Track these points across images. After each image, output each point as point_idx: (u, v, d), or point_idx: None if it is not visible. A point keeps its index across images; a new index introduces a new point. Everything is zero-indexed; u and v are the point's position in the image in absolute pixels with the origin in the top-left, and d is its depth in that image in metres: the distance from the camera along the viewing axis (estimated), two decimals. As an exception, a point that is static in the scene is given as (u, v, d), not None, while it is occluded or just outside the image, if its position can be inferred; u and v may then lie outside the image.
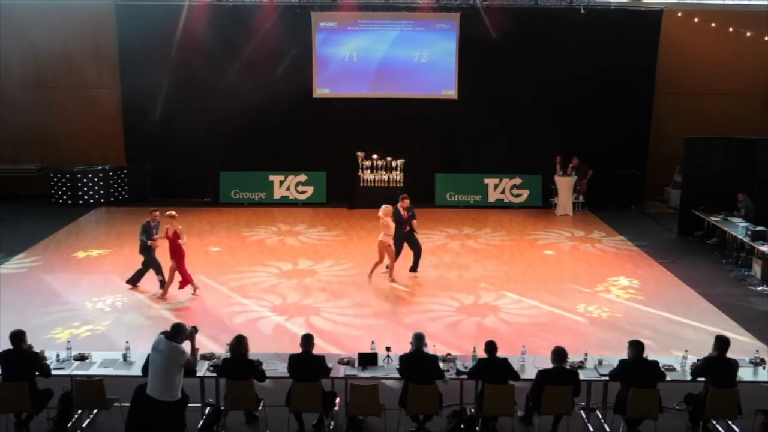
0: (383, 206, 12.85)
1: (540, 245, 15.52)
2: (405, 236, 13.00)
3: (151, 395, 7.14)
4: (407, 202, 13.02)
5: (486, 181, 19.31)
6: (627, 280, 13.09)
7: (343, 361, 8.19)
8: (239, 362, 7.62)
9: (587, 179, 18.68)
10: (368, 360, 8.10)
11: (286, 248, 15.15)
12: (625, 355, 7.74)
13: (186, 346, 7.42)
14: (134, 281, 12.41)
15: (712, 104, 19.48)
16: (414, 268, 13.16)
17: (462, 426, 7.69)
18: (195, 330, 7.68)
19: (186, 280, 12.01)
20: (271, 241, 15.65)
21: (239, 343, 7.64)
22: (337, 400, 8.13)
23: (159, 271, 12.21)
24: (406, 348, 7.89)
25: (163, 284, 12.08)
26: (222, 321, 10.93)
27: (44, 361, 7.81)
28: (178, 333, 7.30)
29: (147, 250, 12.20)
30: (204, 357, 8.15)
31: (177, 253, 11.85)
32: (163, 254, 12.21)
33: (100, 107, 19.76)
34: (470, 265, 14.05)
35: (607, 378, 7.84)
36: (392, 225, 12.65)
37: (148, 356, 7.69)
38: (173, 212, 11.98)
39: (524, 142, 19.04)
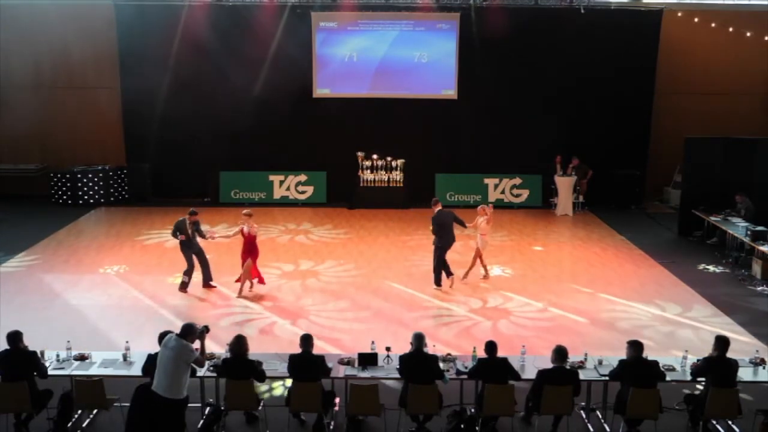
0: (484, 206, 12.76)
1: (539, 245, 15.51)
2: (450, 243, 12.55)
3: (156, 391, 7.15)
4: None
5: (486, 181, 19.32)
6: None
7: (343, 361, 8.19)
8: (239, 362, 7.63)
9: (587, 179, 18.68)
10: (368, 360, 8.10)
11: (285, 248, 15.14)
12: (624, 355, 7.75)
13: (195, 345, 7.43)
14: (207, 281, 12.39)
15: (712, 104, 19.47)
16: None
17: (462, 426, 7.69)
18: (206, 330, 7.68)
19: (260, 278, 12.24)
20: (271, 242, 15.63)
21: (239, 343, 7.64)
22: (337, 400, 8.14)
23: (190, 272, 12.23)
24: (406, 348, 7.90)
25: (186, 285, 12.16)
26: (222, 321, 10.92)
27: (42, 362, 7.82)
28: (189, 332, 7.32)
29: (185, 248, 12.16)
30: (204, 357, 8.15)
31: (253, 252, 11.97)
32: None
33: (100, 107, 19.76)
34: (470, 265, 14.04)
35: (607, 378, 7.84)
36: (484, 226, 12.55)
37: (149, 356, 7.73)
38: (250, 211, 12.20)
39: (524, 142, 19.03)
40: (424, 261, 14.00)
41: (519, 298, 12.16)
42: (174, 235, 12.18)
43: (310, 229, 16.69)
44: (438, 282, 12.45)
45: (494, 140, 19.21)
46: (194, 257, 12.21)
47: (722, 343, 7.65)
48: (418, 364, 7.67)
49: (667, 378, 7.84)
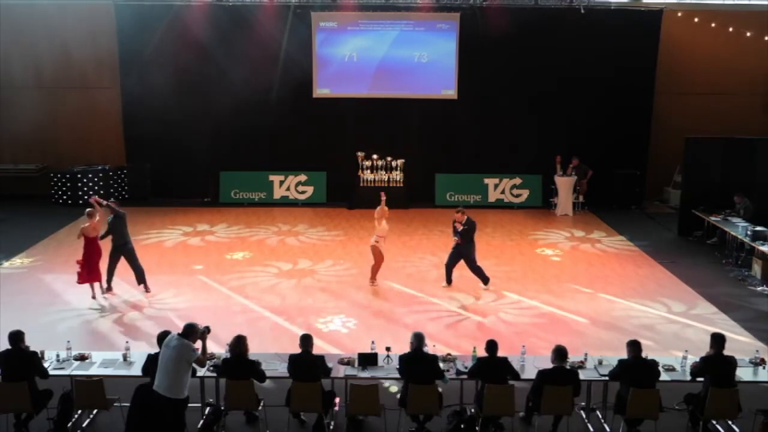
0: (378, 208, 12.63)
1: (540, 245, 15.51)
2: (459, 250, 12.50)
3: (157, 391, 7.16)
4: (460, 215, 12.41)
5: (486, 181, 19.32)
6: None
7: (343, 361, 8.19)
8: (239, 362, 7.63)
9: (587, 179, 18.68)
10: (368, 360, 8.10)
11: (286, 248, 15.15)
12: (625, 355, 7.75)
13: (196, 345, 7.43)
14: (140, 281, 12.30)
15: (712, 104, 19.47)
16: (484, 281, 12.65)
17: (462, 426, 7.69)
18: (207, 330, 7.68)
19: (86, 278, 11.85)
20: (271, 241, 15.65)
21: (239, 343, 7.65)
22: (337, 400, 8.14)
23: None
24: (406, 348, 7.89)
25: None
26: (221, 321, 10.91)
27: (42, 362, 7.82)
28: (190, 332, 7.32)
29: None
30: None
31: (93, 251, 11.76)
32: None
33: (100, 107, 19.76)
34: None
35: (607, 378, 7.84)
36: (384, 227, 12.47)
37: (149, 356, 7.73)
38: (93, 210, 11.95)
39: (524, 142, 19.04)
40: (423, 261, 14.04)
41: (518, 297, 12.16)
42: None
43: (310, 230, 16.70)
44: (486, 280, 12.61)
45: (494, 140, 19.21)
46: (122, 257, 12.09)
47: (718, 340, 7.67)
48: (418, 364, 7.67)
49: (667, 378, 7.84)
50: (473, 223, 12.45)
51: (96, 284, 11.88)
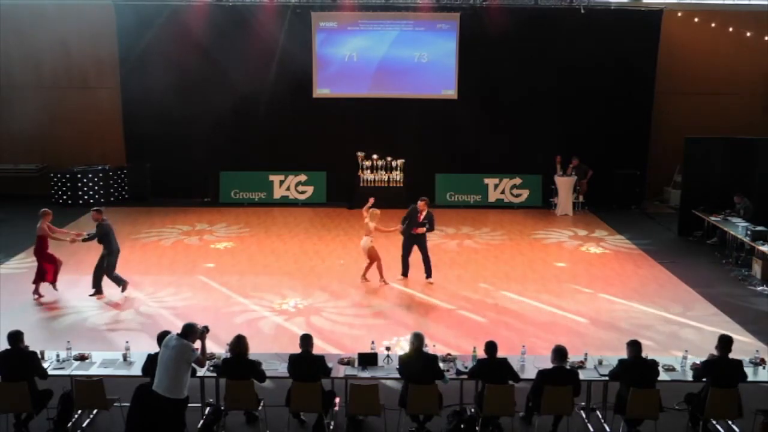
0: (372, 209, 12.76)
1: (541, 246, 15.50)
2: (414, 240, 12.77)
3: (156, 391, 7.16)
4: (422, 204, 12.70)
5: (486, 181, 19.32)
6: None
7: (343, 361, 8.19)
8: (239, 362, 7.63)
9: (587, 179, 18.68)
10: (368, 360, 8.10)
11: (285, 248, 15.14)
12: (625, 355, 7.75)
13: (196, 345, 7.43)
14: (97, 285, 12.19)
15: (712, 104, 19.47)
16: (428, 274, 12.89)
17: (462, 426, 7.69)
18: (206, 330, 7.69)
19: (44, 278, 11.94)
20: (271, 242, 15.64)
21: (239, 343, 7.65)
22: (337, 400, 8.13)
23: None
24: (406, 348, 7.88)
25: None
26: (222, 321, 10.91)
27: (42, 362, 7.82)
28: (190, 332, 7.32)
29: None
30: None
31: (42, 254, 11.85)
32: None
33: (100, 107, 19.76)
34: (470, 265, 14.06)
35: (607, 378, 7.84)
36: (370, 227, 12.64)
37: (148, 356, 7.73)
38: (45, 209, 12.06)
39: (524, 142, 19.04)
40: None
41: (518, 297, 12.16)
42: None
43: (310, 229, 16.68)
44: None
45: (494, 140, 19.20)
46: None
47: (725, 343, 7.62)
48: (418, 364, 7.67)
49: (667, 378, 7.84)
50: (432, 216, 12.76)
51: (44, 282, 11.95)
